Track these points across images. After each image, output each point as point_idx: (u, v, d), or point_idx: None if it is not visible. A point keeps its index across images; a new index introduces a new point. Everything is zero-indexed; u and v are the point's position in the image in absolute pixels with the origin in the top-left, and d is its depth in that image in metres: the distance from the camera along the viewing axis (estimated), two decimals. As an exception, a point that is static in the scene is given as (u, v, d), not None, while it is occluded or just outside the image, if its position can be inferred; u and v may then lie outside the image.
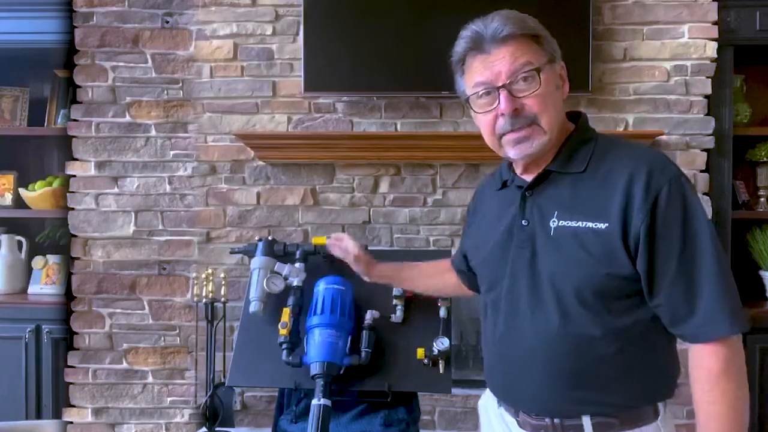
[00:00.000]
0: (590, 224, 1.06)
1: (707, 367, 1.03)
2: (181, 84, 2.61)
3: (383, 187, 2.58)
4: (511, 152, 1.13)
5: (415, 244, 2.57)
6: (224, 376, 2.29)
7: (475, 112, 1.15)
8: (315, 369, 1.55)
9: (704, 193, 2.48)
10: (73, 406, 2.62)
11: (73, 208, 2.63)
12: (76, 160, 2.63)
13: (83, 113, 2.63)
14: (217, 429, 2.33)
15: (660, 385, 1.12)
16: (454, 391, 2.26)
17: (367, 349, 1.65)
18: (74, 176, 2.63)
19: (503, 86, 1.09)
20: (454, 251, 1.60)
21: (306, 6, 2.47)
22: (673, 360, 1.14)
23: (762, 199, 2.80)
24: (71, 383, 2.62)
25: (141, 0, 2.61)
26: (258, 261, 1.82)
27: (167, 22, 2.61)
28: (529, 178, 1.18)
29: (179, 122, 2.62)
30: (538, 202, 1.15)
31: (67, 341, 2.63)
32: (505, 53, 1.08)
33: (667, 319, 1.06)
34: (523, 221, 1.15)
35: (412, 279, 1.63)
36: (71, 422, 2.61)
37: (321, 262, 1.87)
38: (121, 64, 2.62)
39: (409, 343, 1.69)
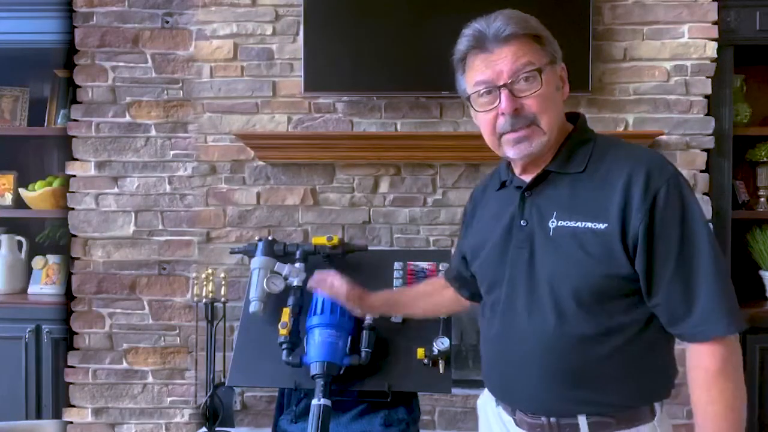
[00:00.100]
0: (589, 224, 1.07)
1: (705, 367, 1.03)
2: (181, 84, 2.61)
3: (383, 187, 2.58)
4: (510, 152, 1.14)
5: (415, 244, 2.57)
6: (224, 376, 2.29)
7: (475, 110, 1.15)
8: (315, 369, 1.55)
9: (704, 193, 2.48)
10: (73, 406, 2.62)
11: (73, 208, 2.63)
12: (76, 160, 2.63)
13: (83, 113, 2.63)
14: (217, 429, 2.33)
15: (657, 385, 1.12)
16: (454, 391, 2.26)
17: (367, 349, 1.65)
18: (74, 176, 2.63)
19: (504, 85, 1.09)
20: (453, 251, 1.59)
21: (306, 6, 2.47)
22: (670, 360, 1.14)
23: (762, 199, 2.80)
24: (71, 383, 2.62)
25: (141, 0, 2.61)
26: (258, 261, 1.82)
27: (167, 22, 2.61)
28: (527, 178, 1.18)
29: (179, 122, 2.62)
30: (537, 203, 1.15)
31: (67, 341, 2.63)
32: (507, 53, 1.09)
33: (665, 318, 1.06)
34: (521, 221, 1.15)
35: (407, 304, 1.57)
36: (71, 422, 2.61)
37: (321, 262, 1.87)
38: (121, 64, 2.62)
39: (409, 343, 1.70)
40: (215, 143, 2.60)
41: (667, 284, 1.03)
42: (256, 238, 1.97)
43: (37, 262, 2.85)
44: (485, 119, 1.14)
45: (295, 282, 1.79)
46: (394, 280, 1.91)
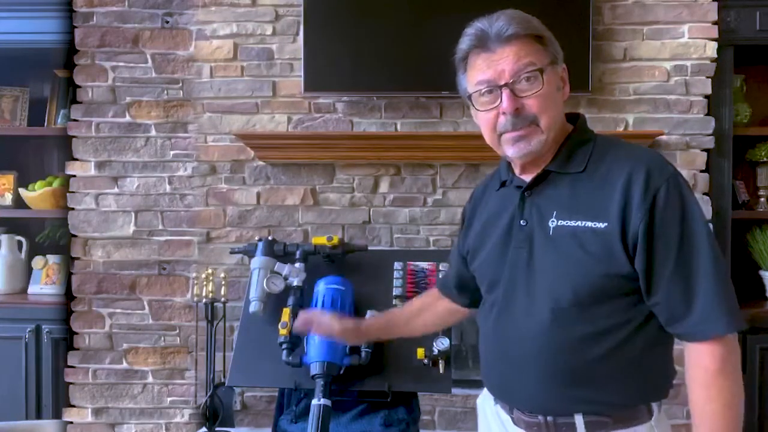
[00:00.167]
0: (589, 224, 1.07)
1: (704, 366, 1.03)
2: (181, 84, 2.61)
3: (383, 187, 2.58)
4: (510, 150, 1.14)
5: (415, 244, 2.57)
6: (224, 376, 2.29)
7: (476, 109, 1.16)
8: (315, 369, 1.55)
9: (704, 193, 2.48)
10: (73, 406, 2.62)
11: (73, 208, 2.63)
12: (76, 160, 2.63)
13: (83, 113, 2.63)
14: (217, 429, 2.33)
15: (654, 385, 1.12)
16: (454, 391, 2.26)
17: (367, 349, 1.65)
18: (74, 176, 2.63)
19: (506, 85, 1.09)
20: (449, 260, 1.58)
21: (306, 6, 2.46)
22: (668, 361, 1.14)
23: (762, 199, 2.80)
24: (71, 383, 2.62)
25: (141, 0, 2.61)
26: (258, 261, 1.83)
27: (167, 22, 2.61)
28: (527, 178, 1.18)
29: (179, 122, 2.62)
30: (536, 203, 1.15)
31: (67, 341, 2.63)
32: (509, 52, 1.09)
33: (664, 317, 1.07)
34: (521, 221, 1.15)
35: (404, 324, 1.53)
36: (71, 422, 2.61)
37: (321, 262, 1.87)
38: (121, 64, 2.62)
39: (409, 343, 1.69)
40: (215, 143, 2.60)
41: (667, 283, 1.04)
42: (256, 238, 1.97)
43: (37, 262, 2.85)
44: (486, 118, 1.14)
45: (295, 282, 1.79)
46: (394, 280, 1.91)
